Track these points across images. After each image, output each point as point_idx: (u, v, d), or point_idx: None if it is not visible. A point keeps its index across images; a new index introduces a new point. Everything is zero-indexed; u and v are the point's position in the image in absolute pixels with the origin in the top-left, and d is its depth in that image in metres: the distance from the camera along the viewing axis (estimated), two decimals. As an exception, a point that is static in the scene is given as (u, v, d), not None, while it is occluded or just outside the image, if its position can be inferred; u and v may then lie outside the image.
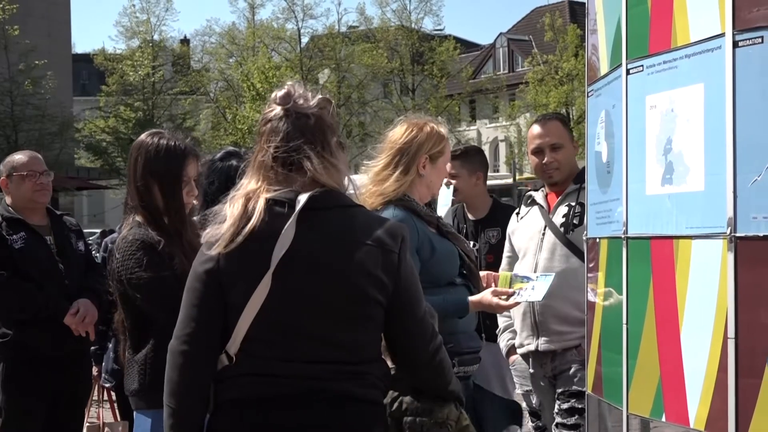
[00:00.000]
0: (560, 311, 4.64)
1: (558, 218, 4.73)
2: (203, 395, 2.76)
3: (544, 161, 4.81)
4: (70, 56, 39.98)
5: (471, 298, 3.95)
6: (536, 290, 3.97)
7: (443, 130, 4.09)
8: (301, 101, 2.81)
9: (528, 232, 4.85)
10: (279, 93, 2.84)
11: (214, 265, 2.72)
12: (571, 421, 4.53)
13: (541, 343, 4.72)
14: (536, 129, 4.88)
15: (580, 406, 4.48)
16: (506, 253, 5.04)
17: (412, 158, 3.97)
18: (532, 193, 4.96)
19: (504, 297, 3.96)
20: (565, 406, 4.56)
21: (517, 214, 5.03)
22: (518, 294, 3.97)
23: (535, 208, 4.89)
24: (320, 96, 2.85)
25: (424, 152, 3.98)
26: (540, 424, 4.96)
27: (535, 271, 4.67)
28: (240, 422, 2.73)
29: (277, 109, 2.81)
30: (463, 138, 45.79)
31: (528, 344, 4.78)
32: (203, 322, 2.74)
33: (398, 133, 4.02)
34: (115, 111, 39.96)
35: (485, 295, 3.95)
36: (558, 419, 4.60)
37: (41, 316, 4.97)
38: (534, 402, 4.95)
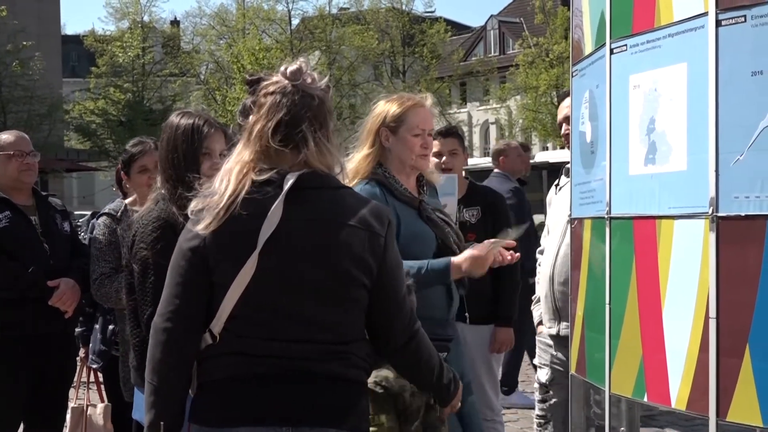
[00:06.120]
0: None
1: None
2: (186, 373, 2.76)
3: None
4: (59, 37, 39.82)
5: (454, 260, 3.83)
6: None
7: (410, 102, 4.02)
8: (309, 80, 2.79)
9: (561, 209, 4.85)
10: (291, 67, 2.79)
11: (200, 242, 2.71)
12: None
13: (563, 328, 4.77)
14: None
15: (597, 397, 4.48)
16: (546, 221, 5.05)
17: (372, 131, 3.99)
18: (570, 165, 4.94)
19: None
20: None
21: (556, 185, 5.02)
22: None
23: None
24: (326, 78, 2.84)
25: (382, 124, 3.98)
26: (547, 396, 4.97)
27: (555, 259, 4.70)
28: (224, 402, 2.71)
29: (284, 83, 2.78)
30: (454, 120, 45.72)
31: (551, 327, 4.87)
32: (187, 299, 2.73)
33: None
34: (104, 92, 39.84)
35: (467, 252, 3.85)
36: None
37: (28, 295, 4.95)
38: (546, 376, 4.98)
